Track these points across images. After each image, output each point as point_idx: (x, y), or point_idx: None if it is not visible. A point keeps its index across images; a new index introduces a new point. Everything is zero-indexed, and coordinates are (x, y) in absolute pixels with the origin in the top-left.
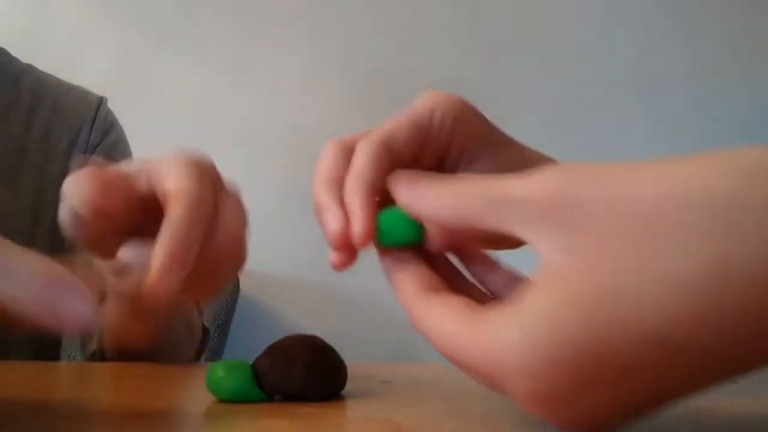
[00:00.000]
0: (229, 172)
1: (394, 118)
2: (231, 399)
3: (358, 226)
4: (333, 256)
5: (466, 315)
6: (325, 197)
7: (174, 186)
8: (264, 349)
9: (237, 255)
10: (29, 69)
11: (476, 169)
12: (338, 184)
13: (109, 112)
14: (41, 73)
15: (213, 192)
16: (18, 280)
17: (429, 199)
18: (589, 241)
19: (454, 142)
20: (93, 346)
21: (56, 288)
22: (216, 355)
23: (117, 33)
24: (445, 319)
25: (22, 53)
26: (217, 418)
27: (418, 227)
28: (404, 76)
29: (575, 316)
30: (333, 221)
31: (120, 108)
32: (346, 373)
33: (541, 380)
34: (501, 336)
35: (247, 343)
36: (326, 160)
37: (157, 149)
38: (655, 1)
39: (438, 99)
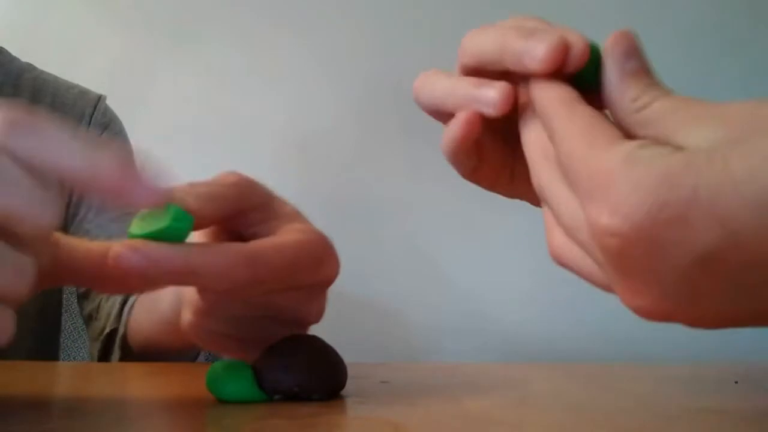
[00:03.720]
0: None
1: None
2: (231, 399)
3: (579, 36)
4: (492, 96)
5: (611, 132)
6: (528, 29)
7: (290, 231)
8: (264, 349)
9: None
10: (29, 67)
11: None
12: (531, 27)
13: (108, 109)
14: (41, 71)
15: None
16: (82, 155)
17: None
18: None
19: None
20: (110, 329)
21: (127, 169)
22: (216, 355)
23: (117, 33)
24: (587, 131)
25: (22, 53)
26: (217, 418)
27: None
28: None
29: (714, 163)
30: (548, 37)
31: (120, 108)
32: (346, 373)
33: (648, 199)
34: (632, 152)
35: None
36: (499, 27)
37: (158, 150)
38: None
39: None
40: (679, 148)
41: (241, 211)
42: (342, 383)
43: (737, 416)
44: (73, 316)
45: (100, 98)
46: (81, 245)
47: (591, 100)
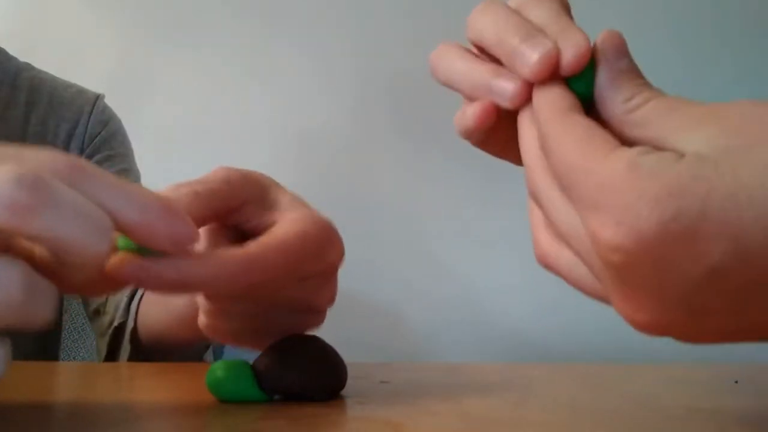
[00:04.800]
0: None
1: None
2: (231, 399)
3: (584, 39)
4: (507, 88)
5: (608, 140)
6: (525, 28)
7: (288, 223)
8: (264, 349)
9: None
10: (27, 66)
11: None
12: (531, 23)
13: (107, 107)
14: (38, 70)
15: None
16: (144, 207)
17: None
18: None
19: None
20: (118, 322)
21: (169, 213)
22: (216, 355)
23: (117, 33)
24: (583, 139)
25: (22, 53)
26: (217, 418)
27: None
28: (405, 77)
29: (721, 172)
30: (541, 45)
31: (119, 108)
32: (346, 373)
33: (656, 211)
34: (634, 160)
35: None
36: (501, 12)
37: (158, 150)
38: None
39: None
40: (679, 153)
41: (235, 207)
42: (342, 383)
43: (737, 417)
44: (73, 316)
45: (98, 97)
46: None
47: (587, 107)
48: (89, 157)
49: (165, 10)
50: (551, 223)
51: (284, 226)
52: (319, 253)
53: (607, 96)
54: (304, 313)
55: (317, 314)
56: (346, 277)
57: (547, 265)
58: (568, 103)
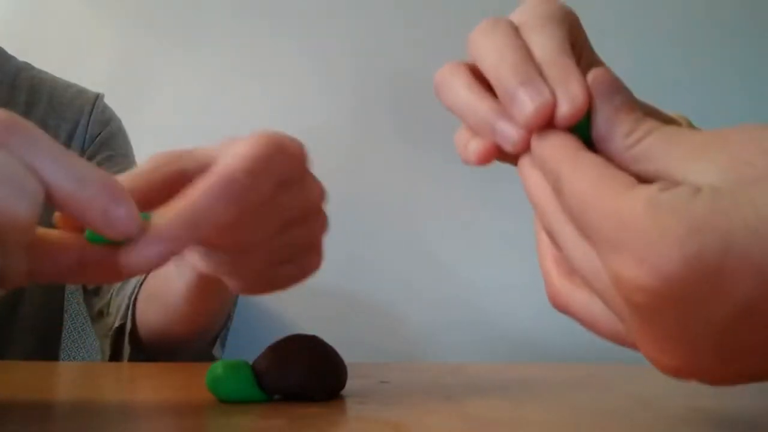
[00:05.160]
0: None
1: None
2: (231, 399)
3: (581, 90)
4: (511, 134)
5: (623, 178)
6: (524, 70)
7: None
8: (264, 349)
9: (314, 244)
10: (26, 66)
11: None
12: (531, 61)
13: (106, 107)
14: (38, 70)
15: (286, 164)
16: (81, 180)
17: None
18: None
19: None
20: (118, 324)
21: (110, 191)
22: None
23: (117, 33)
24: (598, 179)
25: (22, 53)
26: (217, 418)
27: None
28: (405, 77)
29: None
30: (538, 95)
31: (119, 108)
32: (346, 373)
33: (679, 249)
34: (653, 197)
35: (247, 343)
36: (502, 40)
37: (156, 149)
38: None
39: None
40: (694, 187)
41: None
42: (342, 383)
43: (737, 417)
44: (73, 316)
45: (98, 96)
46: (52, 234)
47: (587, 146)
48: (90, 157)
49: (165, 10)
50: (568, 261)
51: (222, 159)
52: (273, 167)
53: (606, 134)
54: (303, 250)
55: (314, 250)
56: (346, 277)
57: (560, 306)
58: (574, 143)
